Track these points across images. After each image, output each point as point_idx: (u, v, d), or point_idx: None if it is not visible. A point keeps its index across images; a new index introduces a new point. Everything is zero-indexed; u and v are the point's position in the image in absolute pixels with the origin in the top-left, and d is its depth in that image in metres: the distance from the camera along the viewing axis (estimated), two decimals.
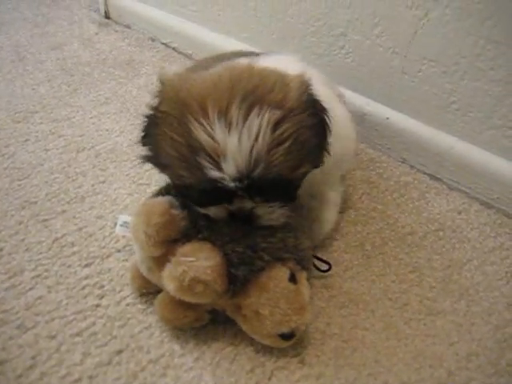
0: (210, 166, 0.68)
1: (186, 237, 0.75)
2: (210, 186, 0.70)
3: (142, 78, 1.52)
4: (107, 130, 1.28)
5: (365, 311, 0.87)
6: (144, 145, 0.79)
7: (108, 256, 0.93)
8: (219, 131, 0.67)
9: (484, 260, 0.99)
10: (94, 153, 1.20)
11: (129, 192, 1.08)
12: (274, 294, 0.74)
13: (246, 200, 0.73)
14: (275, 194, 0.74)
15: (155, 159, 0.77)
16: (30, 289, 0.86)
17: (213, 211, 0.75)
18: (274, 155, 0.69)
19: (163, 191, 0.81)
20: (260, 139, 0.67)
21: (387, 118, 1.26)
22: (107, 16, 1.90)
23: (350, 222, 1.06)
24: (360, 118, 1.30)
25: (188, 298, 0.73)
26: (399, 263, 0.97)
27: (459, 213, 1.11)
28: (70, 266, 0.91)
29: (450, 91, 1.13)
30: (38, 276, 0.89)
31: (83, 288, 0.87)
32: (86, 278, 0.89)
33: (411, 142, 1.24)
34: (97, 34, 1.77)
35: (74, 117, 1.32)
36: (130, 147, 1.22)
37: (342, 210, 1.07)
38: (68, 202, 1.05)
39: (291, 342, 0.77)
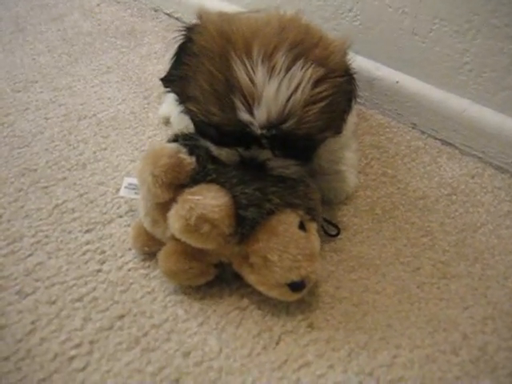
0: (243, 108, 0.67)
1: (193, 182, 0.73)
2: (235, 127, 0.69)
3: (145, 47, 1.48)
4: (109, 99, 1.25)
5: (375, 275, 0.84)
6: (172, 72, 0.78)
7: (110, 222, 0.91)
8: (260, 75, 0.66)
9: (499, 224, 0.96)
10: (95, 121, 1.17)
11: (131, 158, 1.05)
12: (284, 239, 0.71)
13: (265, 150, 0.71)
14: (295, 152, 0.73)
15: (181, 89, 0.76)
16: (30, 255, 0.84)
17: (225, 153, 0.74)
18: (308, 112, 0.68)
19: (170, 140, 0.79)
20: (299, 92, 0.66)
21: (397, 82, 1.21)
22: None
23: (360, 186, 1.02)
24: (369, 84, 1.26)
25: (194, 240, 0.70)
26: (411, 227, 0.94)
27: (472, 177, 1.07)
28: (70, 232, 0.88)
29: (463, 51, 1.09)
30: (38, 242, 0.86)
31: (84, 254, 0.85)
32: (87, 243, 0.86)
33: (422, 106, 1.19)
34: (98, 5, 1.72)
35: (75, 86, 1.29)
36: (133, 114, 1.19)
37: None
38: (69, 169, 1.02)
39: (301, 295, 0.74)
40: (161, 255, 0.77)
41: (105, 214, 0.92)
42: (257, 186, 0.72)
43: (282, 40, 0.68)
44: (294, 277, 0.71)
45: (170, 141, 0.79)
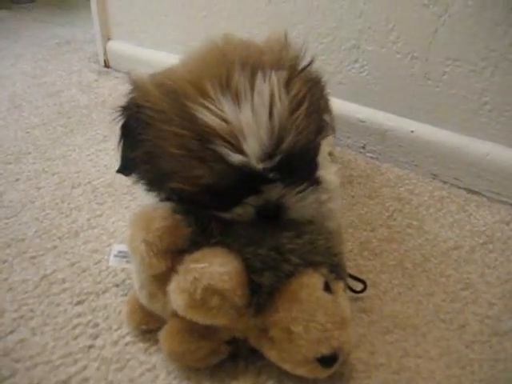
0: (229, 152, 0.56)
1: (194, 246, 0.61)
2: (234, 177, 0.58)
3: None
4: (105, 166, 1.17)
5: (414, 336, 0.72)
6: (128, 156, 0.66)
7: (104, 291, 0.80)
8: (227, 107, 0.56)
9: None
10: (90, 188, 1.08)
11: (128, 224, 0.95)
12: (309, 305, 0.59)
13: (275, 186, 0.60)
14: (302, 171, 0.62)
15: (151, 170, 0.64)
16: (11, 332, 0.72)
17: (237, 213, 0.62)
18: (297, 119, 0.57)
19: (163, 199, 0.68)
20: (277, 104, 0.56)
21: (412, 132, 1.14)
22: (107, 65, 1.85)
23: (383, 240, 0.92)
24: (381, 136, 1.19)
25: (201, 317, 0.58)
26: (447, 280, 0.82)
27: (507, 224, 0.97)
28: (59, 305, 0.77)
29: (481, 91, 1.02)
30: (21, 317, 0.75)
31: (74, 328, 0.73)
32: (78, 316, 0.75)
33: (441, 154, 1.11)
34: (96, 80, 1.71)
35: (69, 155, 1.22)
36: (130, 180, 1.10)
37: (372, 229, 0.94)
38: (59, 238, 0.92)
39: (333, 370, 0.61)
40: (163, 335, 0.65)
41: (99, 283, 0.81)
42: (271, 244, 0.60)
43: (229, 64, 0.59)
44: (325, 350, 0.59)
45: (162, 199, 0.68)
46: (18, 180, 1.11)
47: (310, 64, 0.66)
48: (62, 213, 1.00)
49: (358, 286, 0.76)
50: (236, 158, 0.56)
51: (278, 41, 0.67)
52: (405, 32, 1.08)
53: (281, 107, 0.57)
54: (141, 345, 0.70)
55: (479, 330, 0.73)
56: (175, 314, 0.61)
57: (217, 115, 0.56)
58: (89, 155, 1.22)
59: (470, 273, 0.84)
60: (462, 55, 1.02)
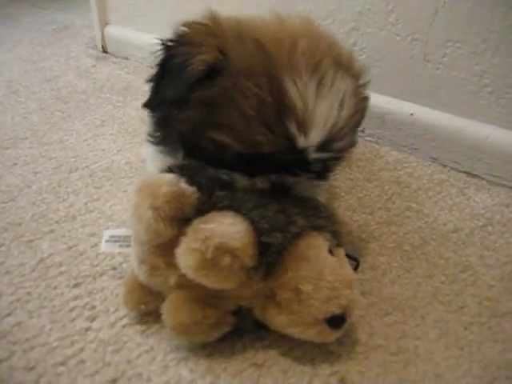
0: (299, 133, 0.58)
1: (200, 213, 0.60)
2: (288, 155, 0.60)
3: (141, 100, 1.41)
4: (103, 150, 1.16)
5: (413, 318, 0.72)
6: (172, 93, 0.65)
7: (101, 274, 0.79)
8: (311, 93, 0.58)
9: None
10: (87, 172, 1.08)
11: (126, 207, 0.95)
12: (317, 264, 0.60)
13: (303, 173, 0.63)
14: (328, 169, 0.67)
15: (204, 116, 0.63)
16: (8, 315, 0.71)
17: (257, 183, 0.64)
18: (351, 124, 0.62)
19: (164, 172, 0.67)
20: (345, 107, 0.60)
21: (411, 115, 1.13)
22: (105, 50, 1.83)
23: (382, 223, 0.91)
24: (380, 119, 1.18)
25: (213, 278, 0.56)
26: (446, 263, 0.82)
27: (507, 206, 0.97)
28: (56, 288, 0.77)
29: (481, 73, 1.01)
30: (18, 300, 0.74)
31: (71, 310, 0.73)
32: (75, 299, 0.75)
33: (440, 137, 1.10)
34: (94, 66, 1.69)
35: (67, 140, 1.21)
36: (128, 164, 1.10)
37: (371, 212, 0.93)
38: (57, 222, 0.91)
39: (340, 333, 0.62)
40: (166, 308, 0.64)
41: (96, 266, 0.81)
42: (277, 207, 0.61)
43: (323, 51, 0.61)
44: (335, 308, 0.59)
45: (171, 152, 0.70)
46: (15, 165, 1.10)
47: (368, 83, 0.71)
48: (59, 197, 0.99)
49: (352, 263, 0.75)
50: (302, 141, 0.59)
51: (345, 49, 0.70)
52: (404, 14, 1.07)
53: (346, 112, 0.60)
54: (138, 327, 0.70)
55: (478, 312, 0.73)
56: (179, 286, 0.62)
57: (301, 96, 0.58)
58: (86, 140, 1.21)
59: (469, 255, 0.84)
60: (462, 37, 1.00)
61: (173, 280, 0.62)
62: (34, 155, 1.14)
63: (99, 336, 0.68)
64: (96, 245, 0.85)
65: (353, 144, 0.68)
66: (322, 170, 0.65)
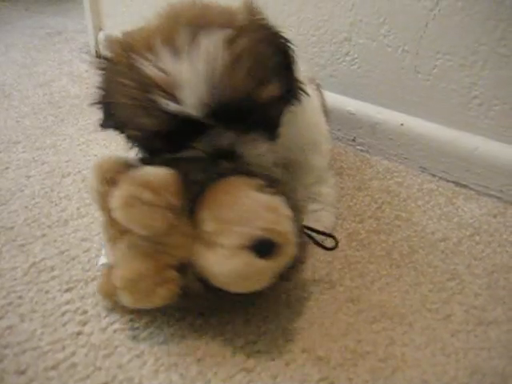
0: (166, 100, 0.60)
1: None
2: (175, 124, 0.62)
3: None
4: (96, 155, 1.17)
5: (401, 325, 0.73)
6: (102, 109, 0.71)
7: (93, 279, 0.80)
8: (166, 59, 0.60)
9: None
10: (80, 177, 1.08)
11: None
12: (238, 194, 0.61)
13: (222, 133, 0.63)
14: (251, 123, 0.65)
15: (115, 121, 0.69)
16: None
17: (186, 155, 0.65)
18: (233, 73, 0.61)
19: None
20: (214, 58, 0.60)
21: (401, 125, 1.15)
22: (98, 56, 1.84)
23: (372, 231, 0.92)
24: (371, 128, 1.19)
25: (137, 216, 0.59)
26: (434, 271, 0.83)
27: (494, 216, 0.98)
28: (47, 292, 0.77)
29: (471, 85, 1.02)
30: (10, 304, 0.75)
31: (62, 315, 0.73)
32: (67, 303, 0.75)
33: (430, 148, 1.12)
34: (87, 71, 1.70)
35: (59, 144, 1.21)
36: None
37: (361, 221, 0.95)
38: (49, 226, 0.92)
39: (272, 265, 0.60)
40: (114, 271, 0.65)
41: (88, 271, 0.81)
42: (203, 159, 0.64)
43: (176, 23, 0.63)
44: (253, 231, 0.58)
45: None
46: (7, 168, 1.10)
47: (257, 22, 0.68)
48: (51, 201, 0.99)
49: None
50: (172, 106, 0.60)
51: (240, 4, 0.70)
52: (396, 25, 1.09)
53: (217, 62, 0.59)
54: (129, 332, 0.70)
55: (465, 320, 0.74)
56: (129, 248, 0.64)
57: (156, 66, 0.60)
58: (79, 145, 1.22)
59: (456, 264, 0.85)
60: (452, 49, 1.02)
61: (124, 244, 0.64)
62: (26, 159, 1.14)
63: (91, 340, 0.69)
64: (88, 250, 0.86)
65: (261, 86, 0.65)
66: (228, 121, 0.63)
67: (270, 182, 0.65)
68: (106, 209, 0.63)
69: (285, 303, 0.75)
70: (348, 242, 0.89)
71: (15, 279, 0.79)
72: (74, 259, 0.84)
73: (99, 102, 0.71)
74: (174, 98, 0.60)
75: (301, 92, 0.74)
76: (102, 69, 0.69)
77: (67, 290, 0.77)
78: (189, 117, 0.61)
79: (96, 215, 0.95)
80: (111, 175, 0.63)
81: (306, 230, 0.72)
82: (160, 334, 0.70)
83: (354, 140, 1.24)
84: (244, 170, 0.65)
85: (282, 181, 0.69)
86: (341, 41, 1.19)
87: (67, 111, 1.39)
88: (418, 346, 0.69)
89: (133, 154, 0.72)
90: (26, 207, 0.97)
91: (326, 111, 1.05)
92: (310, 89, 0.91)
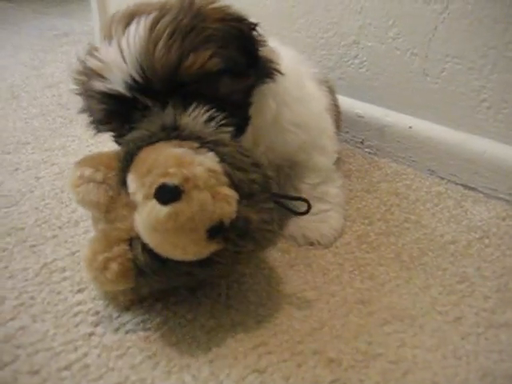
0: (99, 82, 0.67)
1: None
2: (114, 105, 0.68)
3: None
4: None
5: (412, 327, 0.73)
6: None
7: None
8: (102, 50, 0.68)
9: None
10: None
11: None
12: (156, 152, 0.62)
13: (162, 110, 0.66)
14: (189, 97, 0.67)
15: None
16: (11, 319, 0.72)
17: (134, 136, 0.68)
18: (154, 49, 0.65)
19: None
20: (137, 39, 0.65)
21: (410, 128, 1.15)
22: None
23: (381, 233, 0.92)
24: (379, 131, 1.19)
25: (82, 195, 0.68)
26: (444, 274, 0.83)
27: (503, 219, 0.98)
28: (59, 293, 0.77)
29: (480, 88, 1.03)
30: (22, 305, 0.75)
31: (74, 315, 0.73)
32: (79, 304, 0.75)
33: (439, 150, 1.12)
34: None
35: (69, 146, 1.22)
36: None
37: (370, 223, 0.95)
38: (60, 227, 0.93)
39: (178, 210, 0.57)
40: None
41: None
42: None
43: (116, 19, 0.69)
44: (158, 178, 0.57)
45: None
46: (17, 170, 1.11)
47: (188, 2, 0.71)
48: (61, 203, 1.00)
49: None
50: (104, 86, 0.67)
51: None
52: (405, 28, 1.09)
53: (139, 42, 0.65)
54: (141, 333, 0.71)
55: (475, 323, 0.74)
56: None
57: (95, 58, 0.68)
58: (88, 146, 1.23)
59: (466, 267, 0.85)
60: (461, 52, 1.02)
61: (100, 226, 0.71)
62: (36, 160, 1.15)
63: (103, 341, 0.69)
64: None
65: (186, 57, 0.66)
66: (162, 96, 0.66)
67: (214, 145, 0.64)
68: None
69: (295, 305, 0.75)
70: (358, 244, 0.89)
71: (27, 280, 0.80)
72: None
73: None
74: (106, 80, 0.66)
75: (272, 71, 0.76)
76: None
77: (79, 291, 0.78)
78: (122, 95, 0.66)
79: None
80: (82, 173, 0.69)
81: (276, 198, 0.69)
82: (172, 335, 0.70)
83: (362, 142, 1.24)
84: (177, 135, 0.65)
85: (230, 143, 0.67)
86: (349, 44, 1.20)
87: (75, 113, 1.39)
88: (428, 348, 0.69)
89: None
90: (37, 208, 0.98)
91: (338, 114, 1.05)
92: (320, 90, 0.92)
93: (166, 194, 0.57)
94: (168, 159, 0.59)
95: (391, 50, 1.13)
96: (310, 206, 0.72)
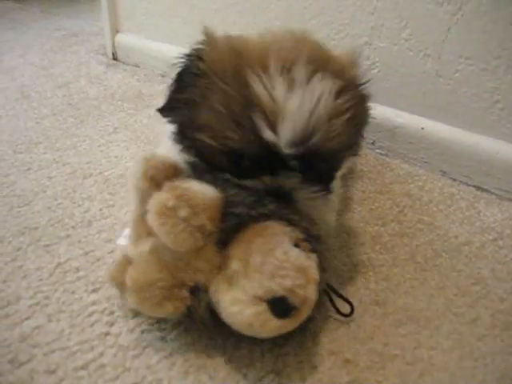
0: (266, 127, 0.59)
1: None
2: (258, 151, 0.61)
3: (153, 108, 1.42)
4: (116, 157, 1.17)
5: (427, 329, 0.73)
6: (175, 97, 0.71)
7: None
8: (280, 89, 0.60)
9: None
10: (101, 178, 1.09)
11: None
12: (271, 241, 0.60)
13: (292, 177, 0.63)
14: (322, 174, 0.66)
15: (189, 116, 0.67)
16: (27, 318, 0.72)
17: (247, 184, 0.64)
18: (333, 125, 0.61)
19: None
20: (321, 105, 0.60)
21: (422, 129, 1.15)
22: (115, 58, 1.85)
23: (395, 235, 0.92)
24: (391, 132, 1.19)
25: (168, 228, 0.57)
26: (458, 275, 0.83)
27: None
28: (74, 292, 0.77)
29: (493, 89, 1.02)
30: (37, 304, 0.75)
31: (90, 315, 0.73)
32: (93, 304, 0.75)
33: (451, 151, 1.12)
34: (105, 72, 1.71)
35: (80, 146, 1.22)
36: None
37: (383, 224, 0.95)
38: (73, 227, 0.92)
39: (288, 326, 0.59)
40: (130, 269, 0.65)
41: None
42: (254, 194, 0.63)
43: (298, 54, 0.63)
44: (276, 287, 0.56)
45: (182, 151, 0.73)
46: (29, 169, 1.11)
47: (364, 84, 0.72)
48: (74, 202, 1.00)
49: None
50: (268, 134, 0.60)
51: (348, 55, 0.72)
52: (418, 30, 1.09)
53: (323, 110, 0.60)
54: (157, 333, 0.71)
55: (491, 324, 0.74)
56: (151, 252, 0.63)
57: (268, 90, 0.60)
58: (99, 146, 1.22)
59: (480, 268, 0.85)
60: (474, 54, 1.02)
61: (148, 246, 0.64)
62: (48, 160, 1.15)
63: (118, 341, 0.69)
64: (113, 251, 0.86)
65: (348, 149, 0.68)
66: (306, 168, 0.64)
67: (309, 236, 0.64)
68: (141, 204, 0.64)
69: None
70: (372, 246, 0.89)
71: (41, 279, 0.80)
72: (98, 260, 0.84)
73: (176, 91, 0.71)
74: (273, 127, 0.60)
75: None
76: (199, 58, 0.68)
77: (93, 291, 0.78)
78: (275, 149, 0.61)
79: (119, 216, 0.95)
80: (154, 173, 0.63)
81: (327, 289, 0.71)
82: (188, 335, 0.70)
83: (373, 143, 1.24)
84: (287, 217, 0.64)
85: (321, 238, 0.67)
86: (361, 44, 1.19)
87: (86, 112, 1.40)
88: (445, 349, 0.69)
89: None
90: (49, 208, 0.98)
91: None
92: None
93: (283, 310, 0.57)
94: (288, 267, 0.58)
95: (404, 51, 1.12)
96: (353, 310, 0.72)
